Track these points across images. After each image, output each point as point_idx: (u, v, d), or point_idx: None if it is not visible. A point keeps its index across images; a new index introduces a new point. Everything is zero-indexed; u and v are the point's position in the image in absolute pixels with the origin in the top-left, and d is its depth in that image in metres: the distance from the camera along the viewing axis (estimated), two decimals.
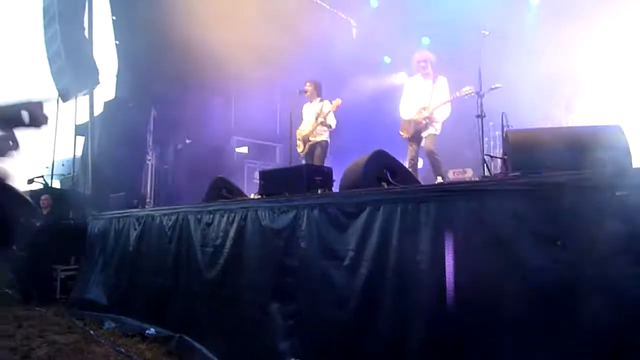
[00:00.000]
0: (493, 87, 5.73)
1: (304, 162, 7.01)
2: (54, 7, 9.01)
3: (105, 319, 5.76)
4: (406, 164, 6.00)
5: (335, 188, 4.32)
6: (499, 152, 6.96)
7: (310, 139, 7.00)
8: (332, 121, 6.95)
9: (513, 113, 5.90)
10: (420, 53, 6.30)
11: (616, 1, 7.27)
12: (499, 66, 6.48)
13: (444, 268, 2.57)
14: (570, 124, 7.12)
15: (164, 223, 5.30)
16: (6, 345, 4.80)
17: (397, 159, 3.92)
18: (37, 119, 1.54)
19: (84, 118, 9.47)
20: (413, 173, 6.04)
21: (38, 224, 7.77)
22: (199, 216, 4.73)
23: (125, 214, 6.38)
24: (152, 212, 5.77)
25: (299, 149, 7.14)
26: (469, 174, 6.84)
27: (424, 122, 6.05)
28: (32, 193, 8.86)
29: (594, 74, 7.28)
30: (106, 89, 9.49)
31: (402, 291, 2.75)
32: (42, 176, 9.31)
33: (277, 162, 10.12)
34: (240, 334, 3.94)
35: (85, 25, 9.09)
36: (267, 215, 3.89)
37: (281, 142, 10.04)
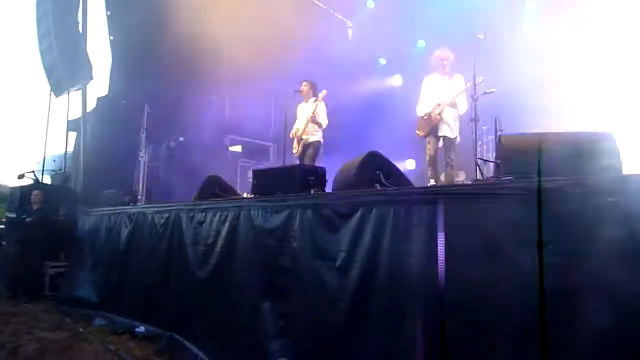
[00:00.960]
0: (487, 91, 5.75)
1: (298, 162, 7.00)
2: (47, 3, 8.94)
3: (95, 317, 5.72)
4: (426, 162, 6.02)
5: (329, 188, 4.31)
6: (492, 156, 6.99)
7: (303, 137, 6.99)
8: (322, 118, 6.91)
9: (506, 117, 5.94)
10: (443, 51, 6.24)
11: (611, 5, 7.33)
12: (494, 70, 6.50)
13: (436, 271, 2.59)
14: (562, 130, 7.16)
15: (156, 221, 5.27)
16: None
17: (391, 160, 3.92)
18: None
19: (76, 113, 9.42)
20: (434, 171, 6.05)
21: (28, 219, 7.70)
22: (191, 214, 4.72)
23: (117, 211, 6.34)
24: (143, 210, 5.74)
25: (294, 150, 7.13)
26: (461, 177, 6.86)
27: (439, 118, 6.00)
28: (23, 188, 8.78)
29: (587, 78, 7.33)
30: (99, 85, 9.43)
31: (394, 294, 2.76)
32: (33, 171, 9.22)
33: (271, 161, 10.11)
34: (231, 333, 3.93)
35: (80, 20, 9.03)
36: (259, 214, 3.89)
37: (275, 141, 10.03)
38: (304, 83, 7.14)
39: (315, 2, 10.80)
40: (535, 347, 2.18)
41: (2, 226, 11.16)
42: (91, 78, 8.96)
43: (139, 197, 7.70)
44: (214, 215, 4.39)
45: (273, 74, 9.35)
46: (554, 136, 3.14)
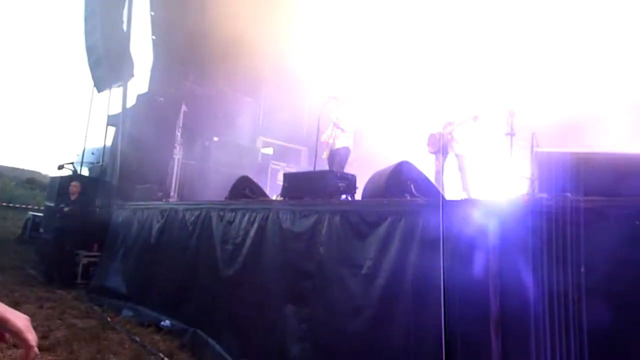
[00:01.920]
0: (521, 106, 5.65)
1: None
2: (95, 1, 9.28)
3: (123, 307, 5.86)
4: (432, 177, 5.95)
5: (358, 196, 4.31)
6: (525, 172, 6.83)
7: (330, 141, 7.00)
8: (344, 122, 6.87)
9: (544, 134, 5.80)
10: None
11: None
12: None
13: (465, 285, 2.55)
14: (605, 148, 6.95)
15: (187, 218, 5.37)
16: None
17: (422, 171, 3.89)
18: None
19: (116, 109, 9.71)
20: (438, 187, 5.99)
21: (65, 209, 7.97)
22: (221, 213, 4.79)
23: (149, 206, 6.50)
24: (175, 206, 5.86)
25: (323, 155, 7.15)
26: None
27: (449, 137, 5.98)
28: (62, 179, 9.10)
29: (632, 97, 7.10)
30: (140, 82, 9.72)
31: (420, 306, 2.73)
32: (72, 163, 9.56)
33: (302, 165, 10.15)
34: (253, 333, 3.96)
35: (125, 19, 9.33)
36: (288, 217, 3.91)
37: (307, 145, 10.08)
38: (338, 90, 7.14)
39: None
40: None
41: (41, 214, 11.60)
42: (132, 75, 9.23)
43: (172, 194, 7.87)
44: (244, 215, 4.44)
45: (309, 78, 9.41)
46: (593, 155, 3.06)
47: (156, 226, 5.99)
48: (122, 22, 9.31)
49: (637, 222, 2.15)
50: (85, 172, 10.68)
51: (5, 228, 14.57)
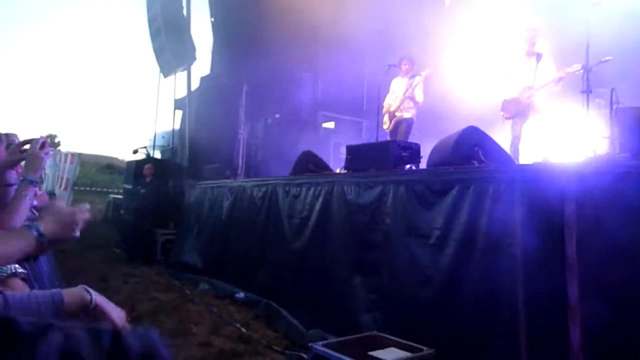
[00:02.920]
0: (603, 59, 5.22)
1: (389, 138, 6.90)
2: None
3: (200, 281, 6.18)
4: (508, 144, 5.69)
5: (423, 165, 4.22)
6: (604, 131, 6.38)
7: (397, 114, 6.86)
8: (419, 96, 6.73)
9: (625, 90, 5.37)
10: (533, 28, 5.83)
11: None
12: (610, 37, 5.87)
13: (540, 252, 2.45)
14: None
15: (254, 194, 5.53)
16: (116, 300, 5.33)
17: (491, 136, 3.74)
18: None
19: (182, 93, 10.08)
20: (514, 153, 5.73)
21: (142, 190, 8.45)
22: (286, 188, 4.88)
23: (219, 185, 6.74)
24: (243, 183, 6.04)
25: (385, 126, 7.04)
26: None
27: (527, 101, 5.64)
28: (137, 162, 9.63)
29: None
30: (202, 65, 9.99)
31: (489, 275, 2.66)
32: (145, 147, 10.08)
33: (364, 137, 10.06)
34: (323, 303, 4.05)
35: (184, 4, 9.57)
36: (352, 190, 3.92)
37: (368, 117, 9.95)
38: (404, 60, 6.94)
39: None
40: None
41: (121, 196, 12.38)
42: (195, 59, 9.50)
43: (239, 172, 8.09)
44: (308, 189, 4.50)
45: (366, 49, 9.25)
46: None
47: (226, 203, 6.21)
48: (181, 7, 9.56)
49: None
50: (157, 155, 11.25)
51: (90, 211, 15.66)
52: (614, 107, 4.97)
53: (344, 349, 2.54)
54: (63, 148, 29.50)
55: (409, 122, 6.83)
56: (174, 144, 10.50)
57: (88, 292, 1.23)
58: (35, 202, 4.59)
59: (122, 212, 10.28)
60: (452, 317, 2.86)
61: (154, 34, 9.92)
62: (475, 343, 2.68)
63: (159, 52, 10.00)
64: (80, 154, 11.35)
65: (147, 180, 8.57)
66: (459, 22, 9.03)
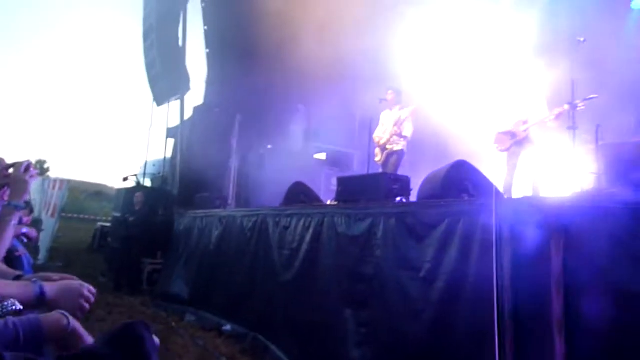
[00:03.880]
0: (588, 97, 5.35)
1: (381, 170, 6.95)
2: (152, 18, 9.74)
3: (186, 312, 6.07)
4: (504, 178, 5.73)
5: (413, 198, 4.25)
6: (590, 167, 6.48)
7: (387, 147, 6.94)
8: (407, 131, 6.83)
9: (607, 126, 5.49)
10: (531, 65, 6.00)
11: None
12: (595, 75, 6.05)
13: (528, 286, 2.45)
14: None
15: (244, 224, 5.50)
16: (98, 329, 5.22)
17: (480, 170, 3.78)
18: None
19: (175, 122, 10.12)
20: (508, 186, 5.76)
21: (131, 219, 8.37)
22: (277, 219, 4.87)
23: (209, 214, 6.70)
24: (233, 213, 6.02)
25: (377, 158, 7.10)
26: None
27: (523, 135, 5.71)
28: (127, 190, 9.57)
29: None
30: (196, 95, 10.09)
31: (481, 309, 2.64)
32: (136, 175, 10.05)
33: (355, 169, 10.12)
34: (313, 337, 3.99)
35: (180, 34, 9.72)
36: (343, 221, 3.92)
37: (359, 149, 10.05)
38: (389, 91, 7.09)
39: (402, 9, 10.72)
40: None
41: (109, 224, 12.24)
42: (189, 89, 9.60)
43: (229, 201, 8.07)
44: (299, 220, 4.49)
45: (359, 82, 9.40)
46: None
47: (215, 233, 6.16)
48: (177, 38, 9.71)
49: None
50: (148, 183, 11.19)
51: (77, 238, 15.48)
52: (599, 143, 5.08)
53: None
54: (52, 174, 29.30)
55: (399, 155, 6.89)
56: (164, 173, 10.48)
57: (65, 316, 1.21)
58: (24, 229, 4.52)
59: (109, 240, 10.14)
60: (442, 353, 2.83)
61: (150, 64, 10.04)
62: None
63: (153, 82, 10.10)
64: (69, 181, 11.26)
65: (137, 208, 8.50)
66: (450, 56, 9.24)
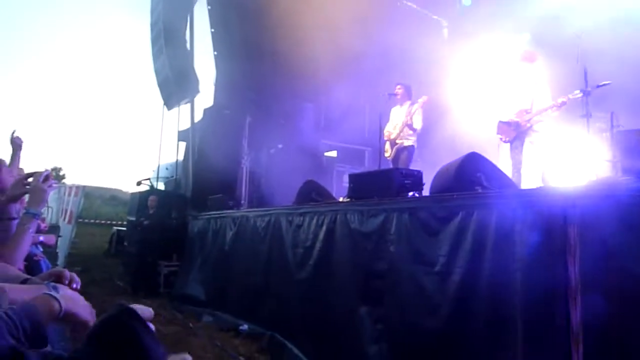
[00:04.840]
0: (601, 84, 5.26)
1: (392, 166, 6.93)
2: (160, 23, 9.80)
3: (203, 313, 6.11)
4: (509, 170, 5.66)
5: (426, 192, 4.22)
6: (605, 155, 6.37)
7: (397, 142, 6.92)
8: (418, 123, 6.79)
9: (625, 113, 5.40)
10: (530, 50, 5.92)
11: None
12: (608, 61, 5.94)
13: (543, 277, 2.42)
14: None
15: (258, 224, 5.52)
16: None
17: (493, 162, 3.74)
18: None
19: (185, 125, 10.19)
20: (517, 177, 5.70)
21: (145, 222, 8.44)
22: (290, 218, 4.87)
23: (222, 215, 6.73)
24: (246, 214, 6.04)
25: (387, 154, 7.08)
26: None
27: (527, 125, 5.65)
28: (141, 194, 9.66)
29: None
30: (206, 97, 10.14)
31: (497, 301, 2.62)
32: (149, 179, 10.14)
33: (366, 165, 10.09)
34: (329, 335, 3.99)
35: (187, 38, 9.78)
36: (356, 218, 3.91)
37: (370, 145, 10.01)
38: (398, 86, 7.07)
39: (407, 2, 10.68)
40: None
41: (124, 228, 12.37)
42: (198, 92, 9.65)
43: (242, 202, 8.10)
44: (312, 219, 4.49)
45: (367, 78, 9.38)
46: None
47: (229, 234, 6.19)
48: (185, 41, 9.76)
49: None
50: (161, 186, 11.29)
51: (94, 243, 15.68)
52: (614, 130, 4.99)
53: None
54: (68, 181, 29.71)
55: (410, 150, 6.87)
56: (177, 176, 10.55)
57: (56, 299, 1.21)
58: (41, 238, 4.57)
59: (125, 244, 10.25)
60: (460, 347, 2.80)
61: (159, 69, 10.11)
62: None
63: (163, 86, 10.17)
64: (84, 187, 11.39)
65: (151, 211, 8.58)
66: (457, 52, 9.19)
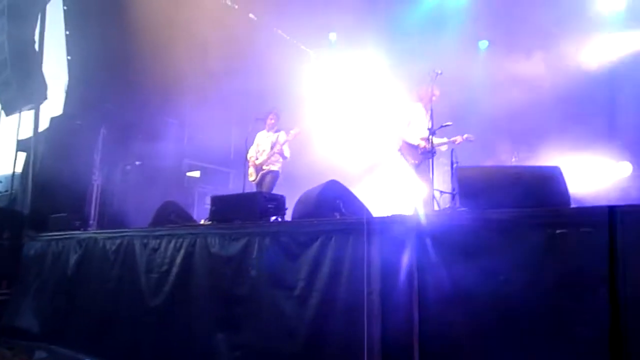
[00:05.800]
0: (444, 124, 5.92)
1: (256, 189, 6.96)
2: (3, 16, 8.69)
3: (37, 349, 5.40)
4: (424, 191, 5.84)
5: (288, 217, 4.30)
6: (447, 187, 7.16)
7: (264, 167, 7.00)
8: (288, 152, 6.97)
9: (461, 151, 6.14)
10: (432, 87, 6.33)
11: (561, 37, 7.82)
12: (450, 105, 6.75)
13: (395, 299, 2.60)
14: (515, 162, 7.51)
15: (107, 247, 5.08)
16: None
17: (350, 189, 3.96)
18: None
19: (27, 133, 9.06)
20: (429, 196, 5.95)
21: None
22: (145, 241, 4.58)
23: (66, 236, 6.07)
24: (95, 235, 5.53)
25: (251, 178, 7.10)
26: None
27: (427, 149, 6.02)
28: None
29: (539, 113, 7.72)
30: (54, 105, 9.15)
31: (353, 323, 2.75)
32: None
33: (230, 187, 9.97)
34: None
35: (37, 38, 8.81)
36: (217, 242, 3.82)
37: (234, 167, 9.92)
38: (271, 115, 7.15)
39: (280, 32, 10.97)
40: None
41: None
42: (45, 98, 8.67)
43: (91, 222, 7.43)
44: (169, 242, 4.28)
45: (235, 100, 9.36)
46: (506, 169, 3.27)
47: (74, 257, 5.60)
48: (33, 41, 8.77)
49: (557, 231, 2.30)
50: None
51: None
52: (454, 165, 5.64)
53: None
54: None
55: (274, 175, 6.97)
56: (13, 190, 9.29)
57: None
58: None
59: None
60: None
61: None
62: None
63: (1, 88, 8.95)
64: None
65: None
66: (324, 83, 9.68)
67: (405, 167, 6.22)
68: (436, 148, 6.02)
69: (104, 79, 8.59)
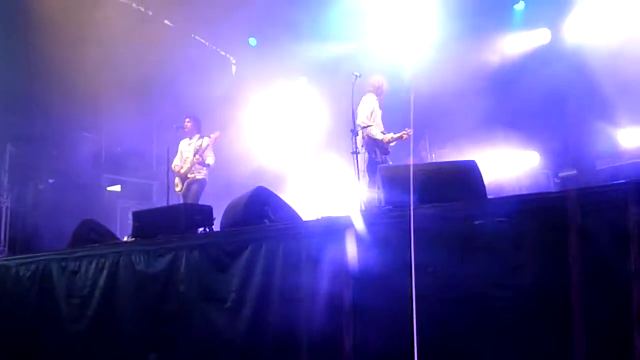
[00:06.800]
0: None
1: (182, 201, 6.76)
2: None
3: None
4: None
5: (217, 227, 4.21)
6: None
7: (189, 176, 6.81)
8: (210, 159, 6.83)
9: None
10: (381, 81, 6.31)
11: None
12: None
13: (329, 303, 2.63)
14: (434, 159, 7.84)
15: (22, 274, 4.71)
16: None
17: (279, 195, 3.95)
18: None
19: None
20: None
21: None
22: (63, 264, 4.30)
23: None
24: (6, 262, 5.11)
25: (177, 189, 6.89)
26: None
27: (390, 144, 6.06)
28: None
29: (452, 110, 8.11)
30: None
31: (288, 332, 2.75)
32: None
33: (154, 201, 9.58)
34: None
35: None
36: (141, 259, 3.67)
37: (157, 179, 9.57)
38: (187, 120, 7.00)
39: (198, 38, 10.72)
40: None
41: None
42: None
43: (1, 248, 6.86)
44: (90, 263, 4.04)
45: (154, 109, 9.04)
46: (425, 167, 3.41)
47: None
48: None
49: (475, 222, 2.43)
50: None
51: None
52: (379, 166, 5.77)
53: None
54: None
55: (201, 183, 6.81)
56: None
57: None
58: None
59: None
60: None
61: None
62: None
63: None
64: None
65: None
66: (245, 89, 9.59)
67: (366, 164, 5.97)
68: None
69: (10, 92, 7.94)
